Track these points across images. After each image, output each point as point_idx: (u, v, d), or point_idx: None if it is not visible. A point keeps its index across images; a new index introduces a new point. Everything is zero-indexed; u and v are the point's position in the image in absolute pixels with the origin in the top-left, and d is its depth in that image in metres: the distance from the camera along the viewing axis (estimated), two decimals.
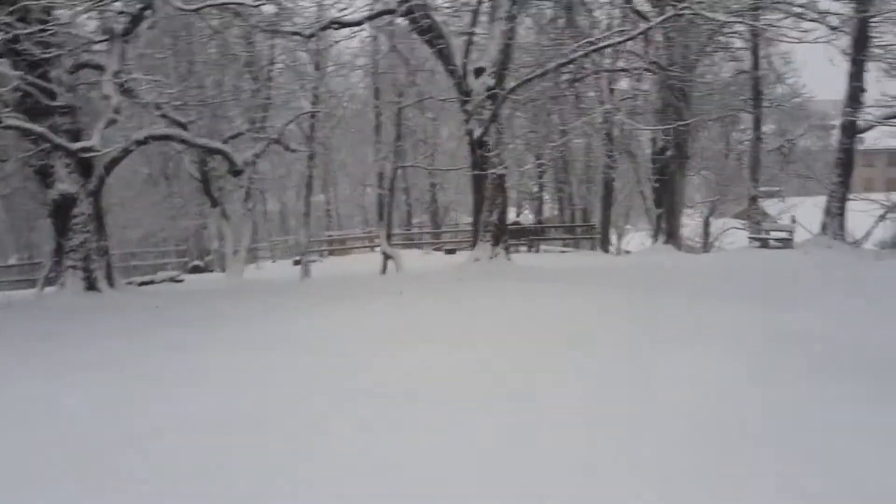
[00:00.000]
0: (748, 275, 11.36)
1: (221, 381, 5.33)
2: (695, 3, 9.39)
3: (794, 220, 19.21)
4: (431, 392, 4.74)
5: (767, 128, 24.01)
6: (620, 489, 3.20)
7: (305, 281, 14.90)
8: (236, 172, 13.74)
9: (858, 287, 9.46)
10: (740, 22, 12.53)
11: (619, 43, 11.04)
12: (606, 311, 7.85)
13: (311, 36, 14.59)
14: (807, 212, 20.98)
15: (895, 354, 5.65)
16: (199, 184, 16.05)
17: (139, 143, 12.36)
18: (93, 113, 11.76)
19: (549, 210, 32.58)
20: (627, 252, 28.70)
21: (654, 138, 21.82)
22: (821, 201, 19.35)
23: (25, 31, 7.43)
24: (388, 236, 16.74)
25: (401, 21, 14.68)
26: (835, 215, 17.07)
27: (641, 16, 13.09)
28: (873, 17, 16.32)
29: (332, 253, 32.27)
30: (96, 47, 11.77)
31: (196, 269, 24.77)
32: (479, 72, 13.20)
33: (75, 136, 11.23)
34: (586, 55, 11.17)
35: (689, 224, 27.62)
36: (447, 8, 14.32)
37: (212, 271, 24.35)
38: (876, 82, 17.44)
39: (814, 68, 27.61)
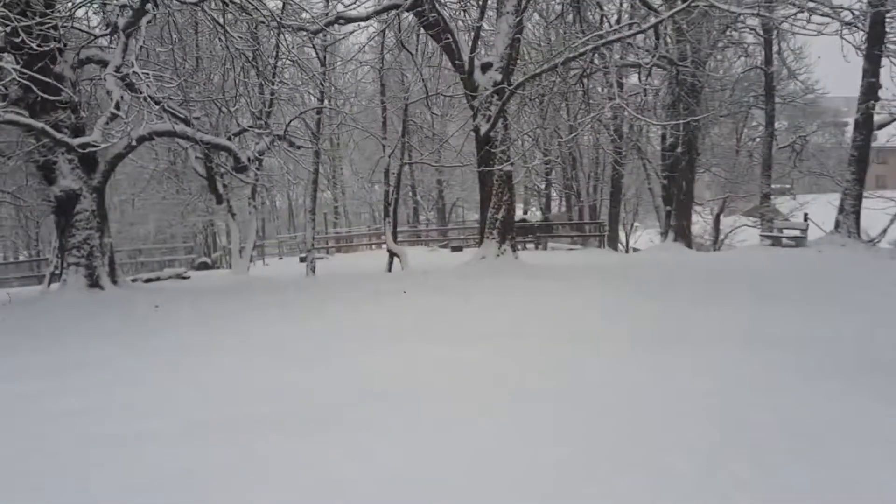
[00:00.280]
0: (762, 274, 11.13)
1: (206, 383, 5.19)
2: None
3: (806, 218, 18.90)
4: (426, 394, 4.59)
5: (779, 124, 23.72)
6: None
7: (310, 278, 14.78)
8: (241, 169, 13.62)
9: (880, 287, 9.22)
10: (755, 14, 12.26)
11: (630, 36, 10.80)
12: (614, 310, 7.67)
13: (318, 31, 14.48)
14: (819, 209, 20.69)
15: None
16: (205, 180, 15.94)
17: (143, 139, 12.25)
18: (97, 108, 11.66)
19: (557, 207, 32.37)
20: (636, 250, 28.45)
21: (663, 134, 21.59)
22: (834, 199, 19.06)
23: (23, 24, 7.31)
24: (394, 233, 16.57)
25: (408, 16, 14.56)
26: (849, 213, 16.76)
27: (652, 9, 12.85)
28: (889, 11, 15.99)
29: (339, 250, 32.19)
30: (100, 42, 11.72)
31: (203, 266, 24.72)
32: (486, 67, 13.01)
33: (78, 131, 11.15)
34: (595, 49, 10.94)
35: (699, 221, 27.35)
36: (454, 2, 14.15)
37: (219, 268, 24.32)
38: (891, 78, 17.08)
39: (826, 64, 27.24)
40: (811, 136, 24.43)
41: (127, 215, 27.75)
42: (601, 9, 14.25)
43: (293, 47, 15.88)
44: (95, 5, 9.39)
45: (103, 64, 11.40)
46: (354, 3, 13.50)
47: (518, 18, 12.22)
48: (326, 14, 14.20)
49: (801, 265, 12.44)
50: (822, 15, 19.18)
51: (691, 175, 21.41)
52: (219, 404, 4.58)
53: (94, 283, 11.49)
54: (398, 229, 32.42)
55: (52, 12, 8.62)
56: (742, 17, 18.57)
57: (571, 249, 23.92)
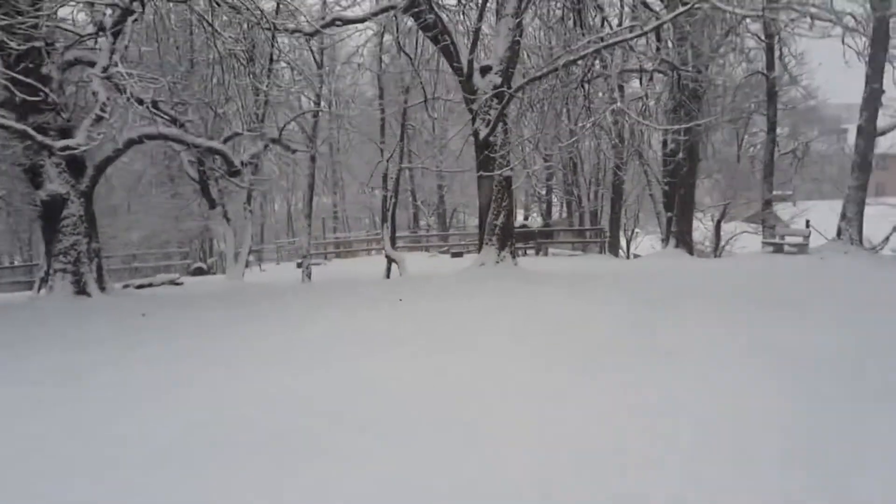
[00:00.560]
0: (766, 282, 10.85)
1: (184, 397, 4.90)
2: None
3: (808, 225, 18.64)
4: (404, 415, 4.30)
5: (780, 130, 23.48)
6: None
7: (305, 285, 14.50)
8: (234, 173, 13.36)
9: (886, 299, 8.94)
10: (759, 16, 12.02)
11: (631, 39, 10.55)
12: (616, 321, 7.38)
13: (314, 33, 14.24)
14: (820, 216, 20.42)
15: None
16: (198, 185, 15.67)
17: (132, 142, 11.99)
18: (85, 110, 11.39)
19: (558, 212, 32.11)
20: (637, 256, 28.17)
21: (664, 140, 21.32)
22: (835, 205, 18.80)
23: (3, 23, 7.05)
24: (392, 239, 16.31)
25: (405, 18, 14.33)
26: (851, 220, 16.50)
27: (653, 12, 12.61)
28: (893, 15, 15.77)
29: (338, 255, 31.92)
30: (90, 43, 11.46)
31: (199, 272, 24.44)
32: (485, 70, 12.77)
33: (66, 134, 10.87)
34: (597, 52, 10.69)
35: (699, 228, 27.06)
36: (453, 5, 13.92)
37: (215, 273, 24.03)
38: (894, 83, 16.86)
39: (827, 71, 27.07)
40: (812, 143, 24.21)
41: (121, 220, 27.45)
42: (602, 11, 14.00)
43: (290, 50, 15.68)
44: (81, 4, 9.11)
45: (91, 65, 11.16)
46: (352, 4, 13.27)
47: (518, 20, 11.97)
48: (323, 17, 13.98)
49: (805, 273, 12.17)
50: (824, 21, 19.00)
51: (692, 181, 21.15)
52: (189, 426, 4.27)
53: (81, 289, 11.21)
54: (398, 235, 32.25)
55: (37, 11, 8.36)
56: (744, 21, 18.37)
57: (572, 255, 23.66)
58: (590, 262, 18.67)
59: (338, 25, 14.06)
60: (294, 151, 14.04)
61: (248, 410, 4.52)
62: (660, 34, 12.97)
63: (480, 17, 12.61)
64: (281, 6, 12.60)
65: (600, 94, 16.47)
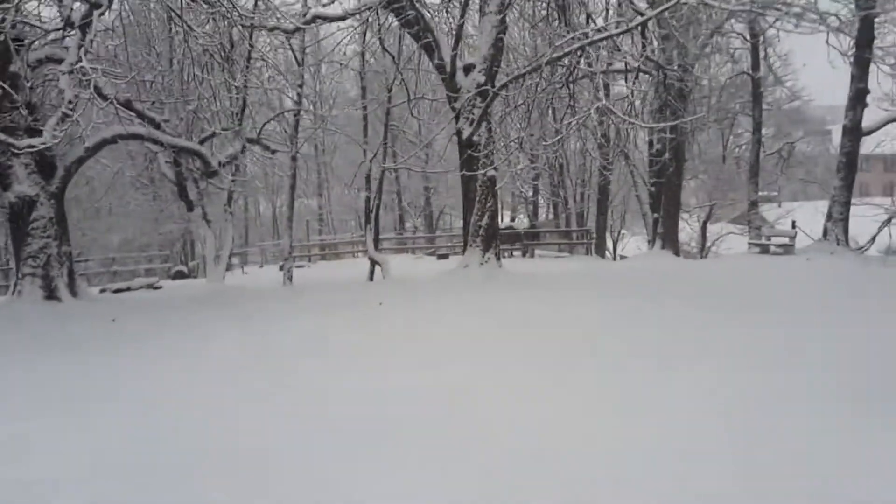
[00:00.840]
0: (754, 283, 10.70)
1: (136, 412, 4.60)
2: None
3: (794, 226, 18.57)
4: (376, 432, 4.04)
5: (766, 131, 23.48)
6: None
7: (286, 288, 14.18)
8: (211, 174, 13.02)
9: (875, 299, 8.79)
10: (747, 10, 11.87)
11: (616, 35, 10.35)
12: (602, 325, 7.16)
13: (294, 31, 13.94)
14: (805, 217, 20.38)
15: None
16: (175, 186, 15.28)
17: (105, 142, 11.63)
18: (55, 109, 11.00)
19: (545, 214, 31.97)
20: (623, 257, 28.07)
21: (650, 140, 21.23)
22: (820, 206, 18.73)
23: None
24: (376, 241, 16.02)
25: (387, 15, 14.07)
26: (837, 220, 16.43)
27: (638, 12, 12.42)
28: (877, 15, 15.73)
29: (324, 258, 31.57)
30: (64, 41, 11.09)
31: (180, 275, 23.99)
32: (468, 68, 12.54)
33: (35, 134, 10.49)
34: (581, 50, 10.47)
35: (685, 229, 27.02)
36: (435, 2, 13.69)
37: (196, 276, 23.60)
38: (878, 83, 16.82)
39: (811, 73, 27.18)
40: (797, 144, 24.23)
41: (102, 222, 26.92)
42: (586, 8, 13.81)
43: (270, 49, 15.36)
44: None
45: (61, 62, 10.80)
46: (332, 1, 12.98)
47: (501, 16, 11.74)
48: (304, 14, 13.69)
49: (792, 275, 12.03)
50: (808, 22, 18.92)
51: (679, 182, 21.06)
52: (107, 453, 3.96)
53: (51, 294, 10.83)
54: (384, 236, 32.00)
55: (1, 5, 8.01)
56: (729, 21, 18.30)
57: (559, 257, 23.50)
58: (576, 264, 18.50)
59: (318, 23, 13.79)
60: (274, 152, 13.73)
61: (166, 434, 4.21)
62: (645, 32, 12.77)
63: (463, 14, 12.38)
64: (259, 3, 12.27)
65: (586, 95, 16.31)
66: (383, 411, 4.38)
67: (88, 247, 25.44)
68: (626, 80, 16.10)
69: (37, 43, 10.95)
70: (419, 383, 5.00)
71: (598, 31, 10.23)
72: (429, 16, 12.94)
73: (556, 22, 13.73)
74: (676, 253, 20.61)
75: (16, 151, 8.83)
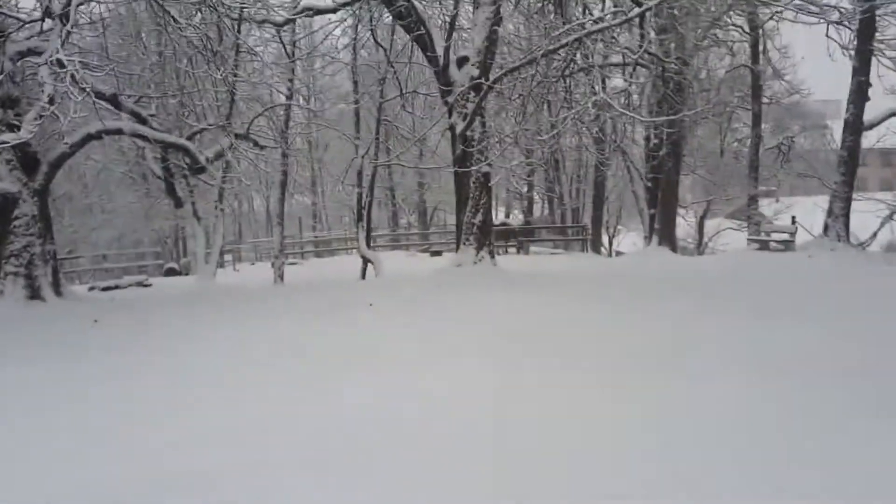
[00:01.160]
0: (756, 282, 10.45)
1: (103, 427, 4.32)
2: None
3: (794, 221, 18.34)
4: (354, 454, 3.77)
5: (764, 125, 23.19)
6: None
7: (276, 286, 13.90)
8: (199, 170, 12.71)
9: (879, 299, 8.55)
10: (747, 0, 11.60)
11: (614, 26, 10.07)
12: (601, 327, 6.90)
13: (285, 23, 13.63)
14: (805, 212, 20.15)
15: None
16: (163, 182, 14.95)
17: (91, 137, 11.31)
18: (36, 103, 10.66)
19: (540, 210, 31.70)
20: (619, 253, 27.85)
21: (647, 136, 20.96)
22: (819, 201, 18.50)
23: None
24: (368, 238, 15.73)
25: (380, 7, 13.76)
26: (838, 216, 16.16)
27: (636, 2, 12.14)
28: (879, 6, 15.46)
29: (317, 255, 31.26)
30: (44, 33, 10.75)
31: (171, 272, 23.68)
32: (462, 61, 12.24)
33: (14, 129, 10.18)
34: (578, 42, 10.19)
35: (681, 224, 26.80)
36: None
37: (188, 274, 23.26)
38: (878, 77, 16.56)
39: (809, 67, 26.95)
40: (797, 137, 23.98)
41: (93, 219, 26.56)
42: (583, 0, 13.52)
43: (260, 43, 15.04)
44: None
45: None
46: None
47: (495, 7, 11.45)
48: (295, 6, 13.38)
49: (794, 272, 11.80)
50: (808, 14, 18.68)
51: (676, 177, 20.81)
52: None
53: (34, 294, 10.53)
54: (378, 234, 31.69)
55: None
56: (728, 13, 18.01)
57: (554, 254, 23.25)
58: (572, 261, 18.27)
59: (308, 15, 13.48)
60: (263, 147, 13.43)
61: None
62: (643, 24, 12.50)
63: (457, 4, 12.08)
64: None
65: (582, 90, 16.05)
66: (363, 420, 4.11)
67: (79, 244, 25.12)
68: (623, 73, 15.83)
69: (20, 35, 10.63)
70: (406, 390, 4.74)
71: (596, 21, 9.94)
72: (421, 7, 12.64)
73: (553, 14, 13.46)
74: (674, 249, 20.38)
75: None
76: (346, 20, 13.78)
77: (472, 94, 11.71)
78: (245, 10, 11.65)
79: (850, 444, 3.64)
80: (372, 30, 13.37)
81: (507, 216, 31.92)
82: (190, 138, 13.17)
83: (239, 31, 11.96)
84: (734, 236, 25.99)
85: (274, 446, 3.76)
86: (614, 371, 5.15)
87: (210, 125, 12.49)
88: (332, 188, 36.84)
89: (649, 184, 20.80)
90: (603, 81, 13.79)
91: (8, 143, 7.18)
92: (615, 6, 14.83)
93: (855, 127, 16.01)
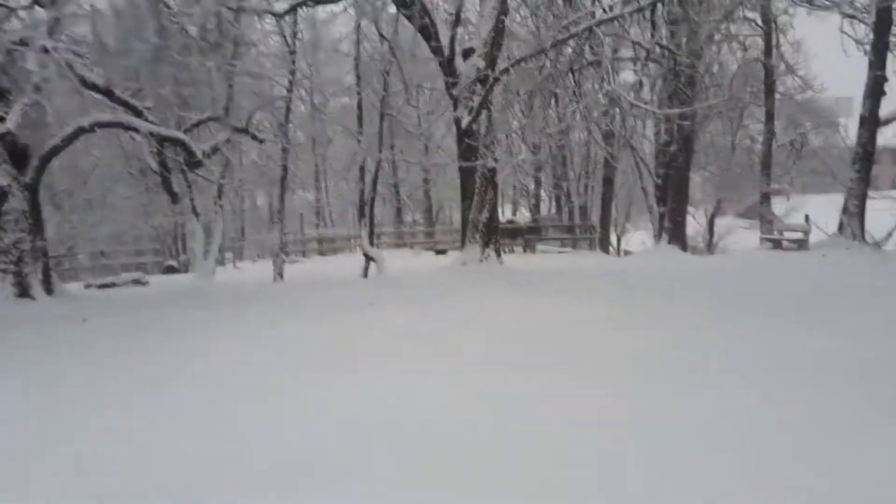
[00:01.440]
0: (771, 283, 10.01)
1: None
2: None
3: (807, 220, 17.86)
4: (360, 461, 3.38)
5: (777, 122, 22.68)
6: None
7: (276, 285, 13.54)
8: (195, 164, 12.34)
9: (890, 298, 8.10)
10: None
11: (625, 15, 9.64)
12: (611, 330, 6.50)
13: (286, 14, 13.25)
14: (818, 210, 19.66)
15: None
16: (160, 178, 14.60)
17: (83, 130, 10.96)
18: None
19: (547, 208, 31.26)
20: (628, 252, 27.39)
21: (657, 131, 20.51)
22: (832, 199, 17.99)
23: None
24: (371, 235, 15.35)
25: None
26: (853, 214, 15.68)
27: None
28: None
29: (321, 252, 30.92)
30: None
31: (170, 270, 23.38)
32: (467, 53, 11.85)
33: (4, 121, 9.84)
34: (588, 32, 9.76)
35: (690, 223, 26.32)
36: None
37: (187, 271, 22.96)
38: (893, 73, 16.05)
39: (821, 63, 26.41)
40: (810, 134, 23.48)
41: (92, 214, 26.24)
42: None
43: (262, 35, 14.67)
44: None
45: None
46: None
47: None
48: None
49: (810, 272, 11.34)
50: (820, 7, 18.17)
51: (687, 174, 20.35)
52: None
53: (23, 292, 10.19)
54: (383, 231, 31.29)
55: None
56: (741, 5, 17.56)
57: (561, 252, 22.83)
58: (580, 260, 17.83)
59: (310, 5, 13.11)
60: (262, 141, 13.05)
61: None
62: (654, 16, 12.06)
63: None
64: None
65: (591, 84, 15.64)
66: (356, 427, 3.73)
67: (79, 240, 24.82)
68: (634, 66, 15.38)
69: (12, 25, 10.30)
70: (402, 397, 4.35)
71: (606, 10, 9.51)
72: None
73: (562, 3, 13.03)
74: (684, 248, 19.94)
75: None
76: (348, 10, 13.36)
77: (479, 86, 11.31)
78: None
79: (861, 446, 3.30)
80: (375, 20, 12.94)
81: (514, 214, 31.51)
82: (187, 132, 12.81)
83: (238, 22, 11.56)
84: (745, 235, 25.50)
85: (259, 455, 3.39)
86: (620, 374, 4.77)
87: (208, 118, 12.11)
88: (336, 184, 36.48)
89: (659, 181, 20.35)
90: (613, 74, 13.33)
91: None
92: None
93: (871, 122, 15.51)
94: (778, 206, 27.26)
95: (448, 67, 11.80)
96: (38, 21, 10.32)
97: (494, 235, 12.24)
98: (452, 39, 11.49)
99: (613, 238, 29.02)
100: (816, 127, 26.40)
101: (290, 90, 13.75)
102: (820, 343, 5.60)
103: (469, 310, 7.53)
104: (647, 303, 8.13)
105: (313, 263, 24.01)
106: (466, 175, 12.17)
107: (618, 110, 18.25)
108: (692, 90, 16.27)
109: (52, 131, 9.94)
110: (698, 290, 9.17)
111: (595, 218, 26.10)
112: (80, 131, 10.93)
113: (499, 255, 12.39)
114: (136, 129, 11.51)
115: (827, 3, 17.02)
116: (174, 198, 14.44)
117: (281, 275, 14.44)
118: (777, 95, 20.67)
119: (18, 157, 10.44)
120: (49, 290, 10.69)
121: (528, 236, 23.52)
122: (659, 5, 11.77)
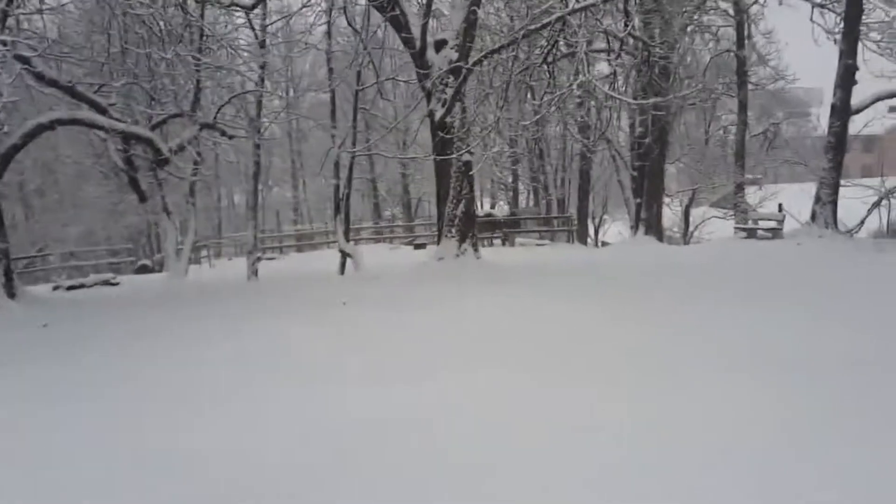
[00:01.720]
0: (748, 271, 10.02)
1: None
2: None
3: (781, 209, 18.00)
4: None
5: (750, 112, 22.83)
6: None
7: (250, 283, 13.29)
8: (162, 161, 12.03)
9: (872, 287, 8.14)
10: None
11: (598, 4, 9.53)
12: (592, 326, 6.41)
13: (254, 6, 12.96)
14: (791, 198, 19.83)
15: None
16: (127, 177, 14.20)
17: (43, 127, 10.61)
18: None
19: (525, 201, 31.22)
20: (606, 244, 27.46)
21: (632, 123, 20.53)
22: (806, 188, 18.14)
23: None
24: (347, 231, 15.12)
25: None
26: (826, 202, 15.83)
27: None
28: None
29: (299, 249, 30.57)
30: None
31: (144, 269, 22.92)
32: (440, 45, 11.67)
33: None
34: (562, 21, 9.62)
35: (666, 213, 26.43)
36: None
37: (161, 271, 22.53)
38: (863, 61, 16.18)
39: (790, 54, 26.66)
40: (782, 125, 23.69)
41: (63, 214, 25.64)
42: None
43: (231, 29, 14.33)
44: None
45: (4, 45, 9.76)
46: None
47: None
48: None
49: (786, 260, 11.40)
50: None
51: (662, 165, 20.43)
52: None
53: None
54: (361, 226, 31.00)
55: None
56: None
57: (540, 245, 22.79)
58: (558, 253, 17.78)
59: None
60: (231, 137, 12.75)
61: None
62: (628, 7, 11.97)
63: None
64: None
65: (566, 77, 15.55)
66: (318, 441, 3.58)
67: (49, 241, 24.23)
68: (608, 57, 15.29)
69: None
70: (367, 407, 4.21)
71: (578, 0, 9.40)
72: None
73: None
74: (660, 239, 20.03)
75: None
76: (319, 3, 13.07)
77: (451, 78, 11.15)
78: None
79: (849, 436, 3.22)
80: (345, 10, 12.68)
81: (493, 207, 31.42)
82: (154, 129, 12.47)
83: (203, 14, 11.25)
84: (719, 225, 25.66)
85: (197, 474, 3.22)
86: (604, 371, 4.67)
87: (174, 114, 11.79)
88: (313, 180, 36.09)
89: (635, 173, 20.40)
90: (588, 65, 13.24)
91: None
92: None
93: (842, 111, 15.64)
94: (751, 195, 27.50)
95: (420, 59, 11.62)
96: None
97: (471, 229, 12.11)
98: (424, 30, 11.31)
99: (591, 230, 29.07)
100: (788, 117, 26.66)
101: (260, 84, 13.44)
102: (803, 331, 5.56)
103: (445, 308, 7.39)
104: (630, 297, 8.02)
105: (290, 261, 23.70)
106: (442, 169, 12.02)
107: (593, 102, 18.22)
108: (666, 81, 16.27)
109: (2, 129, 9.57)
110: (679, 283, 9.11)
111: (573, 210, 26.12)
112: (40, 129, 10.58)
113: (476, 250, 12.26)
114: (99, 127, 11.17)
115: None
116: (142, 196, 14.07)
117: (255, 273, 14.16)
118: (749, 86, 20.80)
119: None
120: (11, 293, 10.34)
121: (506, 229, 23.46)
122: None
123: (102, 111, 11.46)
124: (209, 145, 13.00)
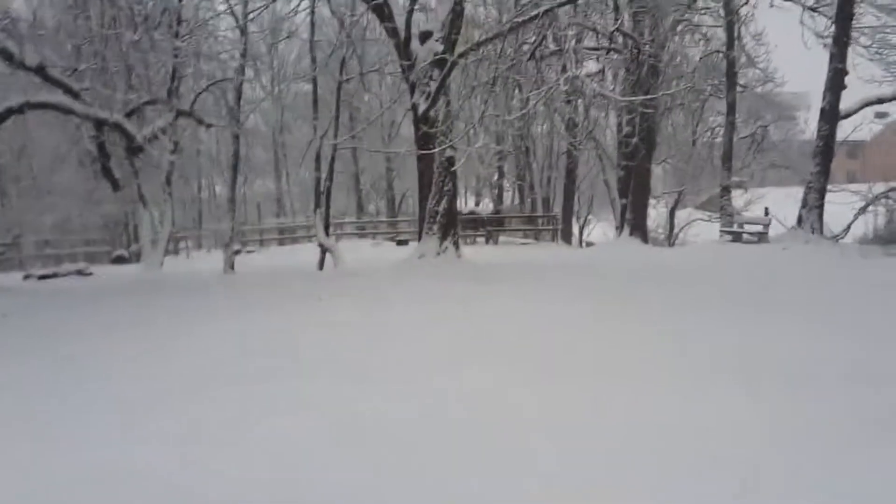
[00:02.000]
0: (735, 276, 9.84)
1: None
2: None
3: (767, 213, 17.92)
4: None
5: (737, 115, 22.76)
6: None
7: (226, 276, 12.94)
8: (135, 149, 11.63)
9: (857, 291, 7.99)
10: None
11: None
12: (577, 328, 6.16)
13: None
14: (777, 203, 19.76)
15: None
16: (99, 163, 13.76)
17: (12, 111, 10.19)
18: None
19: (510, 199, 31.01)
20: (590, 244, 27.32)
21: (619, 123, 20.35)
22: (791, 192, 18.09)
23: None
24: (327, 226, 14.80)
25: None
26: (812, 207, 15.74)
27: None
28: None
29: (281, 242, 30.15)
30: None
31: (120, 260, 22.43)
32: (425, 36, 11.38)
33: None
34: (551, 13, 9.38)
35: (651, 215, 26.32)
36: None
37: (138, 261, 22.04)
38: (852, 65, 16.11)
39: (778, 58, 26.62)
40: (771, 127, 23.65)
41: (40, 202, 25.00)
42: None
43: (213, 16, 13.95)
44: None
45: None
46: None
47: None
48: None
49: (772, 265, 11.25)
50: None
51: (648, 166, 20.26)
52: None
53: None
54: (344, 221, 30.59)
55: None
56: None
57: (524, 244, 22.60)
58: (542, 252, 17.59)
59: None
60: (208, 126, 12.38)
61: None
62: (617, 4, 11.76)
63: None
64: None
65: (553, 74, 15.33)
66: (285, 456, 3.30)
67: (24, 229, 23.61)
68: (596, 54, 15.11)
69: None
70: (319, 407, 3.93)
71: None
72: None
73: None
74: (645, 240, 19.88)
75: None
76: None
77: (436, 70, 10.86)
78: None
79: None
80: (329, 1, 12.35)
81: (477, 204, 31.19)
82: (129, 115, 12.06)
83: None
84: (705, 227, 25.60)
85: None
86: (588, 376, 4.41)
87: (149, 101, 11.39)
88: (296, 172, 35.62)
89: (621, 173, 20.23)
90: (577, 62, 13.03)
91: None
92: None
93: (831, 115, 15.54)
94: (737, 198, 27.46)
95: (404, 51, 11.32)
96: None
97: (453, 227, 11.85)
98: (408, 20, 11.01)
99: (575, 229, 28.93)
100: (776, 120, 26.64)
101: (240, 72, 13.06)
102: (790, 338, 5.36)
103: (424, 307, 7.12)
104: (615, 299, 7.78)
105: (270, 254, 23.29)
106: (424, 164, 11.74)
107: (580, 101, 18.03)
108: (655, 80, 16.09)
109: None
110: (665, 286, 8.89)
111: (558, 209, 25.96)
112: (9, 112, 10.16)
113: (457, 248, 12.00)
114: (70, 111, 10.76)
115: None
116: (115, 185, 13.64)
117: (232, 266, 13.79)
118: (738, 88, 20.70)
119: None
120: None
121: (489, 227, 23.24)
122: None
123: (75, 96, 11.04)
124: (187, 134, 12.57)
